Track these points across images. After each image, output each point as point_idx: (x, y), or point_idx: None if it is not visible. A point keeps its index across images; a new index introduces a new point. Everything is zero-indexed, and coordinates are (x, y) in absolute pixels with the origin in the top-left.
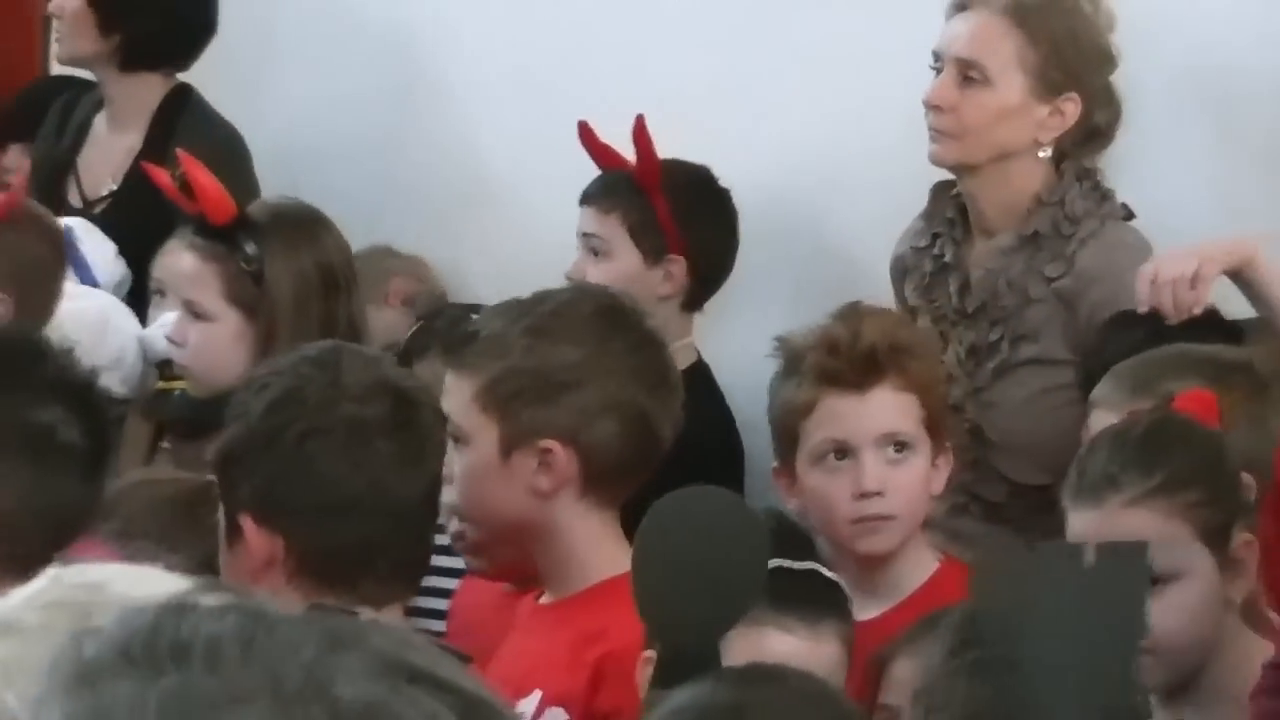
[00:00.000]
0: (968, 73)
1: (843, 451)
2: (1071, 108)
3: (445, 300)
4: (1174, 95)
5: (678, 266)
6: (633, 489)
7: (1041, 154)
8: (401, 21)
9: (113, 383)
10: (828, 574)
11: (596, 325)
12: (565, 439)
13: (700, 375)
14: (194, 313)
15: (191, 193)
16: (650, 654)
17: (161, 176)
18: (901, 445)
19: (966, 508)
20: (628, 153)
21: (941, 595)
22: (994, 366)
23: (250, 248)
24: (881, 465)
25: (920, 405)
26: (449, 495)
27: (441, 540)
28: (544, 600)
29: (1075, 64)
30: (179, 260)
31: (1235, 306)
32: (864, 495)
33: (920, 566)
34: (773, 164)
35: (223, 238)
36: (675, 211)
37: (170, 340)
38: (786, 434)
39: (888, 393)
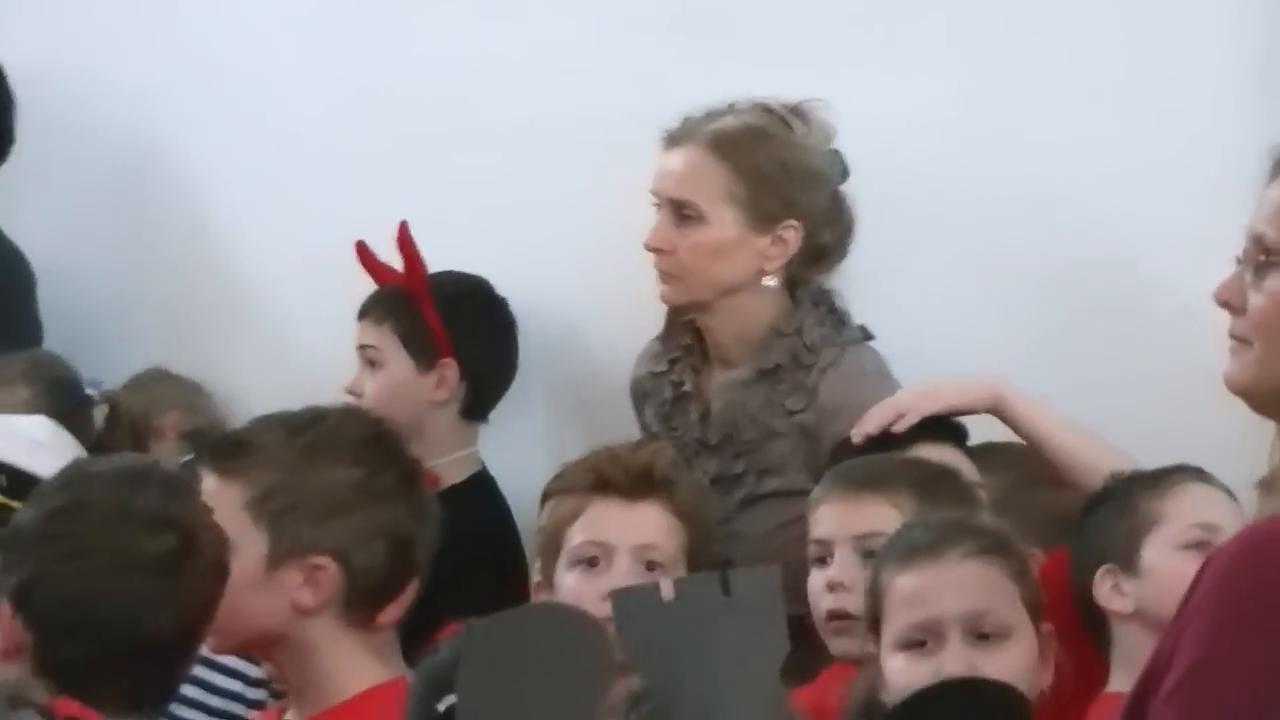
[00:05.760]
0: (682, 211)
1: (599, 559)
2: (792, 234)
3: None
4: (909, 210)
5: (450, 371)
6: (384, 612)
7: (767, 282)
8: (155, 139)
9: None
10: None
11: (371, 450)
12: (337, 557)
13: (482, 485)
14: None
15: None
16: None
17: None
18: (654, 565)
19: None
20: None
21: None
22: (740, 498)
23: None
24: (632, 574)
25: (685, 534)
26: None
27: None
28: (289, 717)
29: (787, 191)
30: None
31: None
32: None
33: None
34: (556, 273)
35: None
36: (445, 317)
37: None
38: (551, 544)
39: (655, 510)
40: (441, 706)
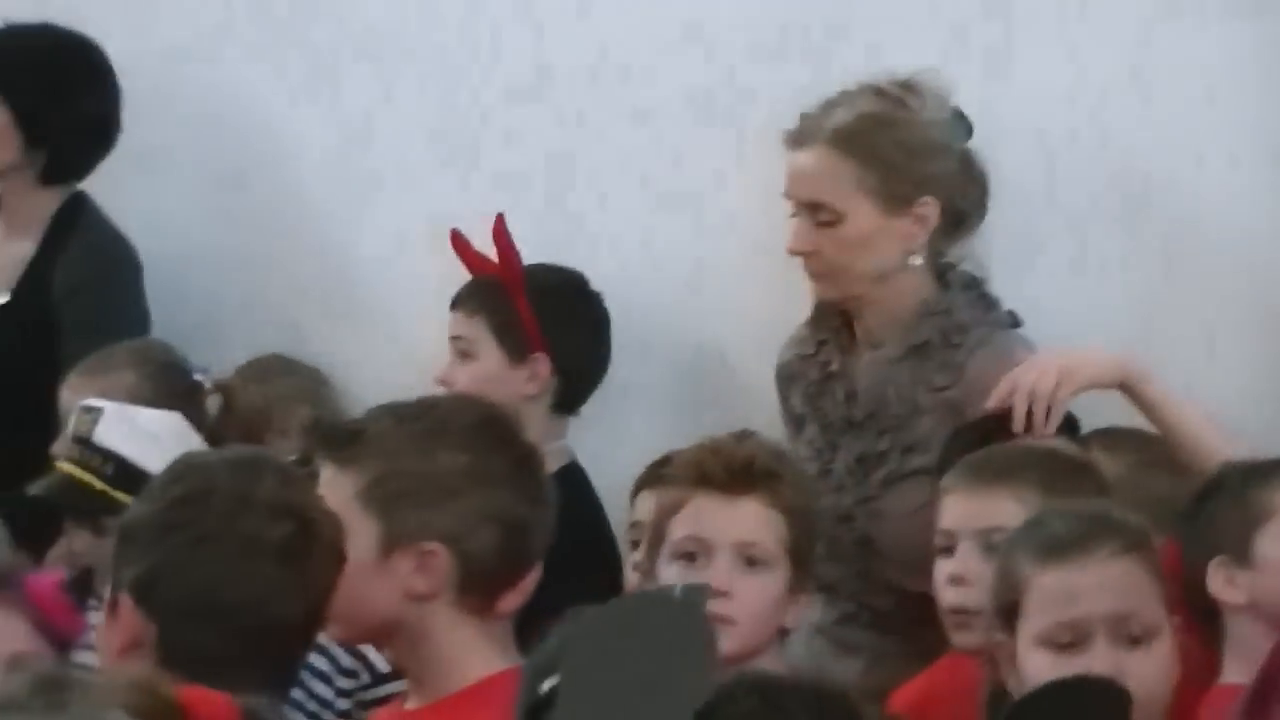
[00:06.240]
0: (818, 213)
1: (698, 555)
2: (930, 210)
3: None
4: (1058, 199)
5: (542, 365)
6: (503, 599)
7: (913, 261)
8: (268, 130)
9: None
10: None
11: (481, 435)
12: (448, 542)
13: (573, 477)
14: None
15: None
16: None
17: None
18: (753, 561)
19: (855, 616)
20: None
21: None
22: (883, 476)
23: None
24: (733, 570)
25: (787, 528)
26: None
27: None
28: (410, 705)
29: (915, 171)
30: None
31: None
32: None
33: None
34: (651, 269)
35: None
36: (539, 311)
37: None
38: (655, 535)
39: (755, 505)
40: (544, 688)
